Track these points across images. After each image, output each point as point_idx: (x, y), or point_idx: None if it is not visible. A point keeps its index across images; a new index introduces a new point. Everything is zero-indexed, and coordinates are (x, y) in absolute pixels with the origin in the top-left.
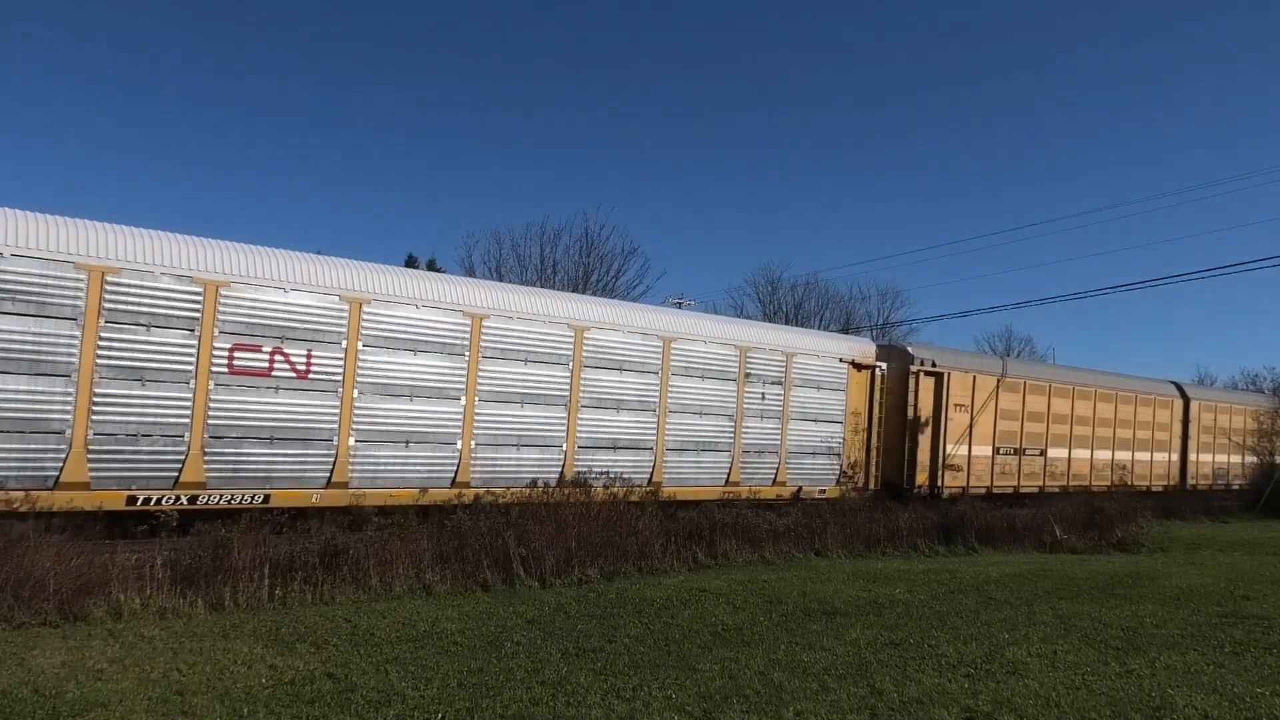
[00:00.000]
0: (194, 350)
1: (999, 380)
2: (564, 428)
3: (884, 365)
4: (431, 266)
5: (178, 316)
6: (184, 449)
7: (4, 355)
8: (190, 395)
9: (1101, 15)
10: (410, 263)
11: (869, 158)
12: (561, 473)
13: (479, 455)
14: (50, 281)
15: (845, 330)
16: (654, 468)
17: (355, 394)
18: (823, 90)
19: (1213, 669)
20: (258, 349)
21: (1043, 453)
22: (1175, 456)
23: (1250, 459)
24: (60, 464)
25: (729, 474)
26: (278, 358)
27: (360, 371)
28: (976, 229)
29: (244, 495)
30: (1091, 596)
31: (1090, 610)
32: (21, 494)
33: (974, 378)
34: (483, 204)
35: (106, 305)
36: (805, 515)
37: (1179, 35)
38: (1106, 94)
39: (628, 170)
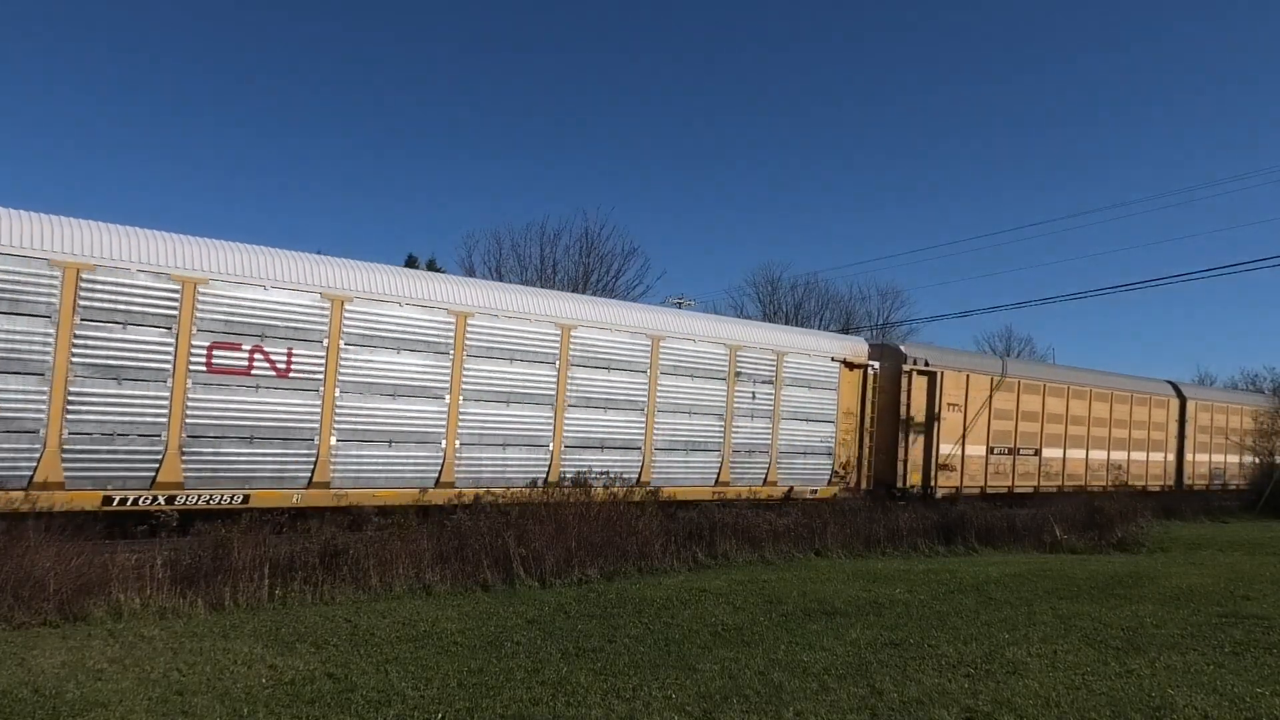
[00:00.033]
0: (171, 349)
1: (993, 379)
2: (550, 427)
3: (876, 364)
4: (431, 266)
5: (155, 314)
6: (161, 449)
7: None
8: (168, 394)
9: (1102, 15)
10: (410, 262)
11: (869, 158)
12: (548, 473)
13: (464, 455)
14: (24, 278)
15: (845, 330)
16: (642, 467)
17: (337, 393)
18: (823, 90)
19: (1213, 669)
20: (237, 347)
21: (1037, 453)
22: (1171, 456)
23: (1249, 459)
24: (34, 464)
25: (719, 474)
26: (257, 356)
27: (342, 370)
28: (976, 229)
29: (223, 495)
30: (1091, 596)
31: (1090, 610)
32: None
33: (967, 377)
34: (483, 204)
35: (82, 303)
36: (805, 515)
37: (1179, 36)
38: (1106, 94)
39: (628, 170)
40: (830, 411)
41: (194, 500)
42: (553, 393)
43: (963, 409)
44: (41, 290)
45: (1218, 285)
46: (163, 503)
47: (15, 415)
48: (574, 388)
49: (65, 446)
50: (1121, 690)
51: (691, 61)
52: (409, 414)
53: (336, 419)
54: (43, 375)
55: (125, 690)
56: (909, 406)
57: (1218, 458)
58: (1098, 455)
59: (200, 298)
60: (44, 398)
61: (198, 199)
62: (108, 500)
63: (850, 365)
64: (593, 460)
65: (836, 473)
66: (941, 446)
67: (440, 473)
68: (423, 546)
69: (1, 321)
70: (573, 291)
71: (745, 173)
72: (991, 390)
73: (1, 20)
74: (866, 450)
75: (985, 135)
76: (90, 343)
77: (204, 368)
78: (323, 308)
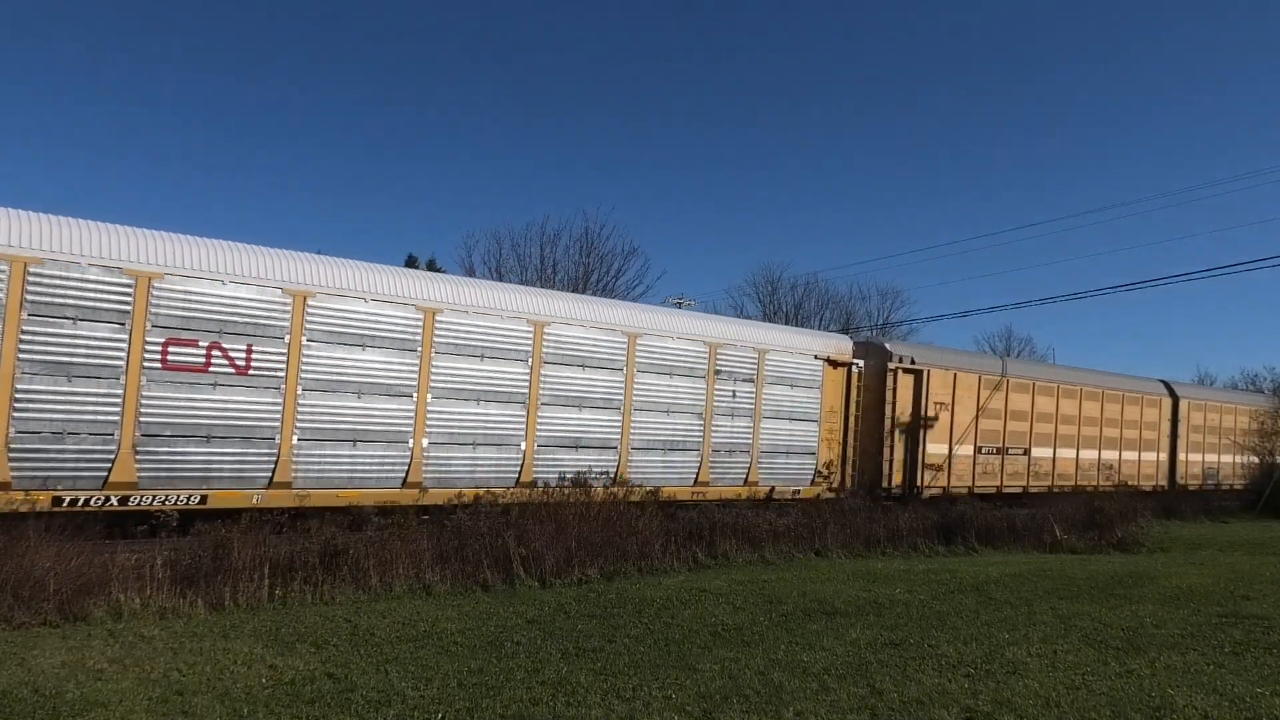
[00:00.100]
0: (124, 345)
1: (980, 378)
2: (523, 426)
3: (861, 362)
4: (431, 266)
5: (106, 309)
6: (114, 448)
7: None
8: (120, 392)
9: (1102, 16)
10: (410, 263)
11: (869, 158)
12: (520, 473)
13: (432, 455)
14: None
15: (845, 330)
16: (618, 467)
17: (299, 391)
18: (823, 90)
19: (1213, 669)
20: (194, 344)
21: (1026, 452)
22: (1164, 456)
23: (1246, 459)
24: None
25: (698, 474)
26: (215, 353)
27: (304, 367)
28: (976, 229)
29: (179, 496)
30: (1091, 596)
31: (1090, 610)
32: None
33: (955, 375)
34: (483, 204)
35: (29, 298)
36: (805, 515)
37: (1179, 36)
38: (1107, 94)
39: (628, 170)
40: (813, 410)
41: (149, 501)
42: (525, 391)
43: (950, 408)
44: None
45: (1218, 285)
46: (115, 503)
47: None
48: (547, 386)
49: (11, 446)
50: (1121, 690)
51: (692, 61)
52: (375, 413)
53: (298, 418)
54: None
55: (125, 690)
56: (894, 405)
57: (1211, 457)
58: (1088, 455)
59: (155, 293)
60: None
61: (198, 199)
62: (58, 501)
63: (834, 363)
64: (567, 460)
65: (819, 473)
66: (928, 446)
67: (408, 473)
68: (423, 546)
69: None
70: (573, 291)
71: (745, 173)
72: (979, 389)
73: (7, 23)
74: (851, 450)
75: (985, 135)
76: (38, 339)
77: (159, 365)
78: (284, 303)
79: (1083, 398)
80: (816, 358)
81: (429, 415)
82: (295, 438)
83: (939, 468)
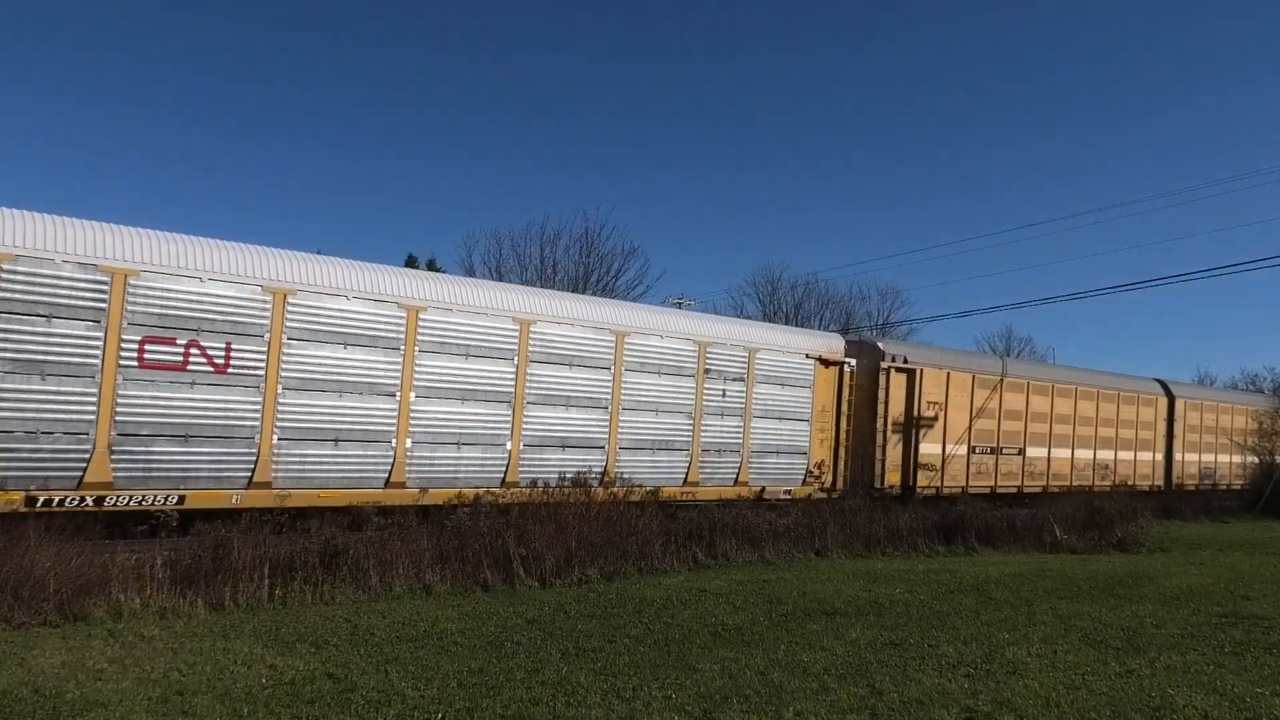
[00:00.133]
0: (100, 343)
1: (974, 377)
2: (509, 426)
3: (853, 361)
4: (431, 266)
5: (81, 307)
6: (89, 447)
7: None
8: (96, 390)
9: (1102, 16)
10: (410, 263)
11: (869, 158)
12: (506, 472)
13: (416, 454)
14: None
15: (845, 330)
16: (606, 467)
17: (279, 389)
18: (823, 90)
19: (1213, 669)
20: (171, 342)
21: (1021, 452)
22: (1160, 456)
23: (1244, 458)
24: None
25: (687, 473)
26: (193, 351)
27: (285, 366)
28: (976, 229)
29: (156, 496)
30: (1091, 596)
31: (1090, 610)
32: None
33: (948, 374)
34: (483, 204)
35: (1, 295)
36: (805, 515)
37: (1179, 37)
38: (1106, 95)
39: (628, 170)
40: (805, 410)
41: (125, 501)
42: (511, 390)
43: (943, 407)
44: None
45: (1218, 285)
46: (91, 504)
47: None
48: (534, 385)
49: None
50: (1121, 690)
51: (692, 61)
52: (357, 411)
53: (279, 417)
54: None
55: (125, 690)
56: (887, 404)
57: (1208, 457)
58: (1084, 455)
59: (131, 290)
60: None
61: (198, 199)
62: (31, 501)
63: (826, 362)
64: (554, 460)
65: (811, 472)
66: (921, 446)
67: (390, 472)
68: (423, 546)
69: None
70: (572, 291)
71: (745, 173)
72: (973, 388)
73: (8, 24)
74: (843, 450)
75: (985, 135)
76: (11, 336)
77: (135, 363)
78: (264, 301)
79: (1078, 397)
80: (808, 357)
81: (412, 414)
82: (275, 437)
83: (932, 468)
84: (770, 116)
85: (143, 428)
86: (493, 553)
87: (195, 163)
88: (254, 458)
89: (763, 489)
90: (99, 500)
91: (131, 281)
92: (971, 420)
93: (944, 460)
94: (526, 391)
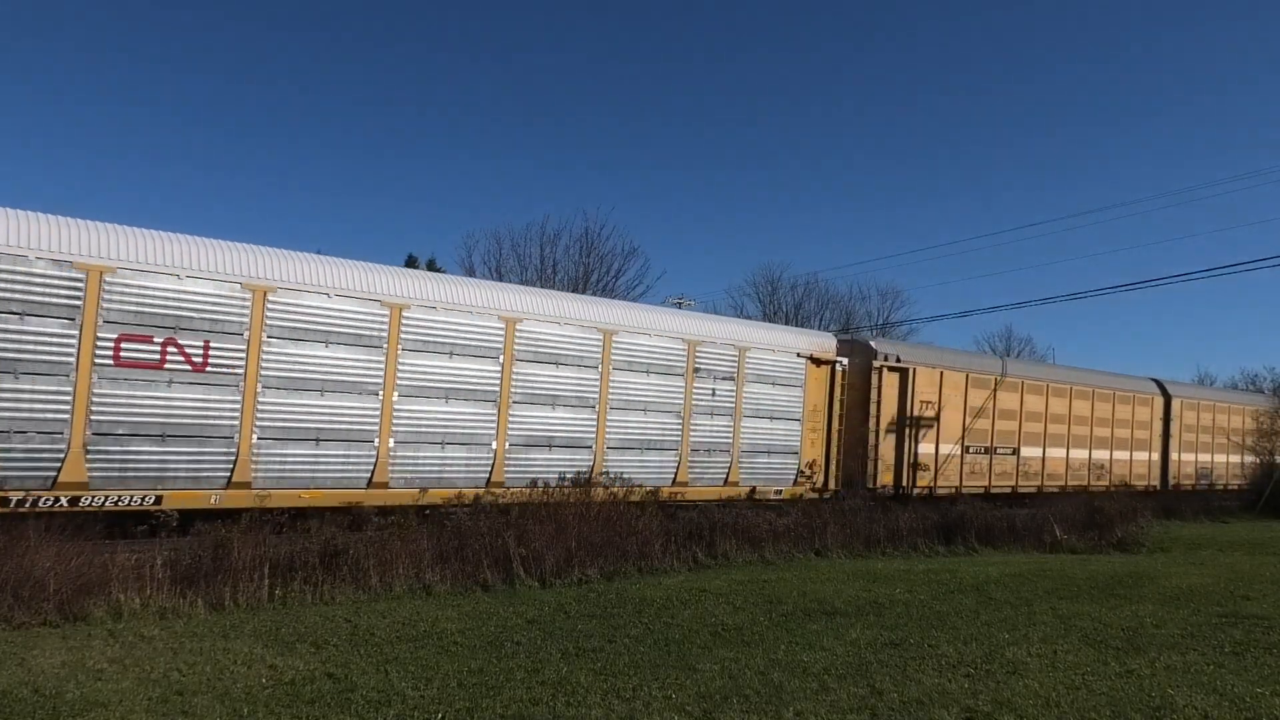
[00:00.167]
0: (74, 341)
1: (968, 376)
2: (494, 425)
3: (845, 360)
4: (431, 266)
5: (56, 304)
6: (63, 447)
7: None
8: (70, 389)
9: (1102, 17)
10: (410, 263)
11: (869, 158)
12: (491, 472)
13: (399, 454)
14: None
15: (845, 330)
16: (593, 467)
17: (259, 388)
18: (823, 91)
19: (1213, 669)
20: (148, 340)
21: (1015, 452)
22: (1156, 456)
23: (1241, 458)
24: None
25: (676, 474)
26: (171, 349)
27: (265, 364)
28: (976, 229)
29: (133, 497)
30: (1091, 596)
31: (1090, 610)
32: None
33: (941, 374)
34: (483, 205)
35: None
36: (805, 515)
37: (1179, 37)
38: (1106, 95)
39: (628, 170)
40: (796, 409)
41: (100, 502)
42: (496, 389)
43: (937, 406)
44: None
45: (1218, 285)
46: (65, 504)
47: None
48: (519, 384)
49: None
50: (1121, 690)
51: (692, 61)
52: (338, 411)
53: (258, 416)
54: None
55: (125, 690)
56: (879, 404)
57: (1204, 457)
58: (1079, 455)
59: (107, 287)
60: None
61: (197, 201)
62: (4, 501)
63: (817, 361)
64: (540, 459)
65: (802, 472)
66: (913, 446)
67: (373, 473)
68: (423, 546)
69: None
70: (572, 291)
71: (745, 173)
72: (967, 388)
73: (7, 24)
74: (834, 449)
75: (985, 135)
76: None
77: (111, 361)
78: (243, 298)
79: (1073, 396)
80: (799, 355)
81: (396, 414)
82: (255, 436)
83: (925, 467)
84: (770, 116)
85: (119, 427)
86: (493, 553)
87: (195, 163)
88: (233, 458)
89: (753, 489)
90: (74, 500)
91: (107, 279)
92: (965, 420)
93: (937, 460)
94: (512, 390)
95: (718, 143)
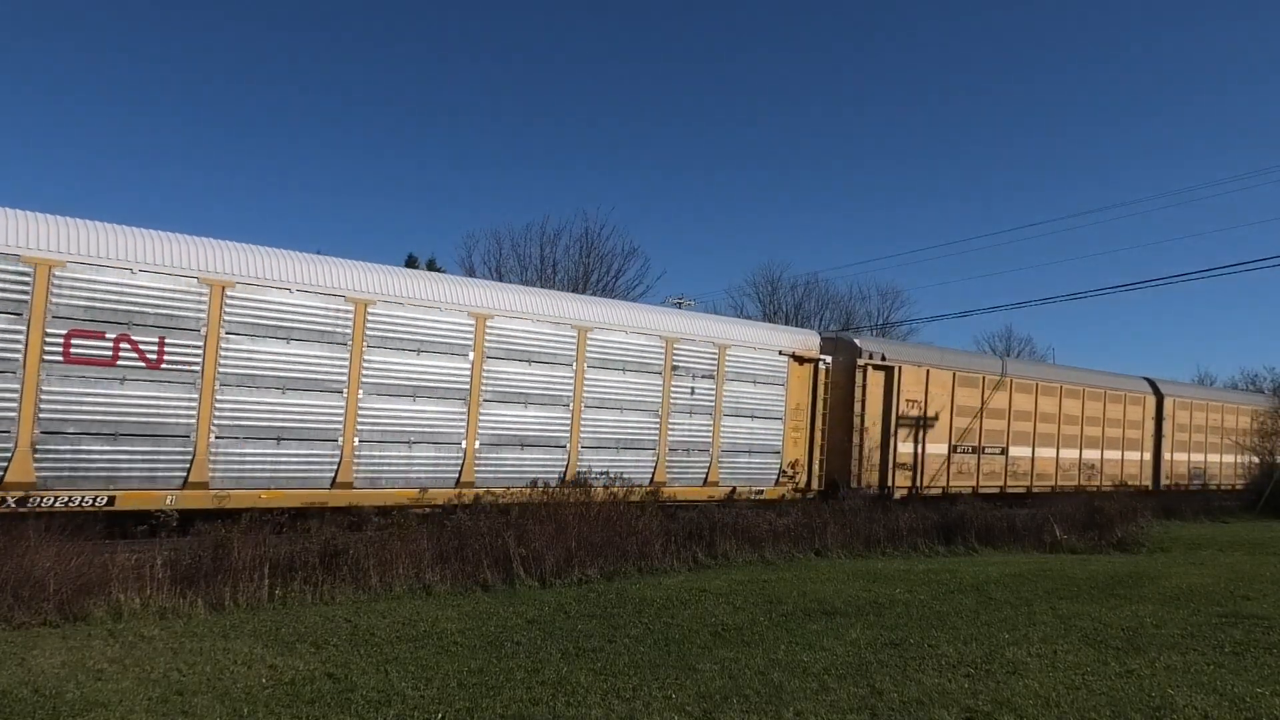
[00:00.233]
0: (22, 337)
1: (955, 375)
2: (463, 424)
3: (829, 359)
4: (431, 266)
5: (2, 299)
6: (10, 446)
7: None
8: (17, 387)
9: (1102, 16)
10: (410, 263)
11: (869, 158)
12: (460, 472)
13: (364, 453)
14: None
15: (845, 330)
16: (567, 466)
17: (217, 386)
18: (823, 91)
19: (1213, 669)
20: (100, 336)
21: (1004, 451)
22: (1148, 455)
23: (1236, 458)
24: None
25: (654, 473)
26: (124, 345)
27: (223, 361)
28: (976, 229)
29: (84, 497)
30: (1091, 596)
31: (1090, 610)
32: None
33: (928, 372)
34: (483, 205)
35: None
36: (805, 515)
37: (1179, 37)
38: (1106, 95)
39: (628, 170)
40: (778, 408)
41: (50, 502)
42: (466, 387)
43: (923, 405)
44: None
45: (1218, 285)
46: (12, 504)
47: None
48: (490, 382)
49: None
50: (1121, 690)
51: (692, 61)
52: (301, 409)
53: (216, 414)
54: None
55: (125, 690)
56: (864, 403)
57: (1198, 457)
58: (1069, 454)
59: (56, 282)
60: None
61: (198, 200)
62: None
63: (800, 359)
64: (512, 459)
65: (784, 472)
66: (899, 445)
67: (337, 472)
68: (423, 546)
69: None
70: (572, 291)
71: (745, 173)
72: (954, 386)
73: (7, 24)
74: (818, 449)
75: (985, 135)
76: None
77: (61, 358)
78: (200, 293)
79: (1063, 395)
80: (781, 353)
81: (360, 412)
82: (212, 435)
83: (911, 467)
84: (770, 116)
85: (69, 425)
86: (493, 553)
87: (195, 163)
88: (189, 457)
89: (733, 489)
90: (21, 501)
91: (56, 273)
92: (952, 419)
93: (923, 460)
94: (483, 388)
95: (718, 143)
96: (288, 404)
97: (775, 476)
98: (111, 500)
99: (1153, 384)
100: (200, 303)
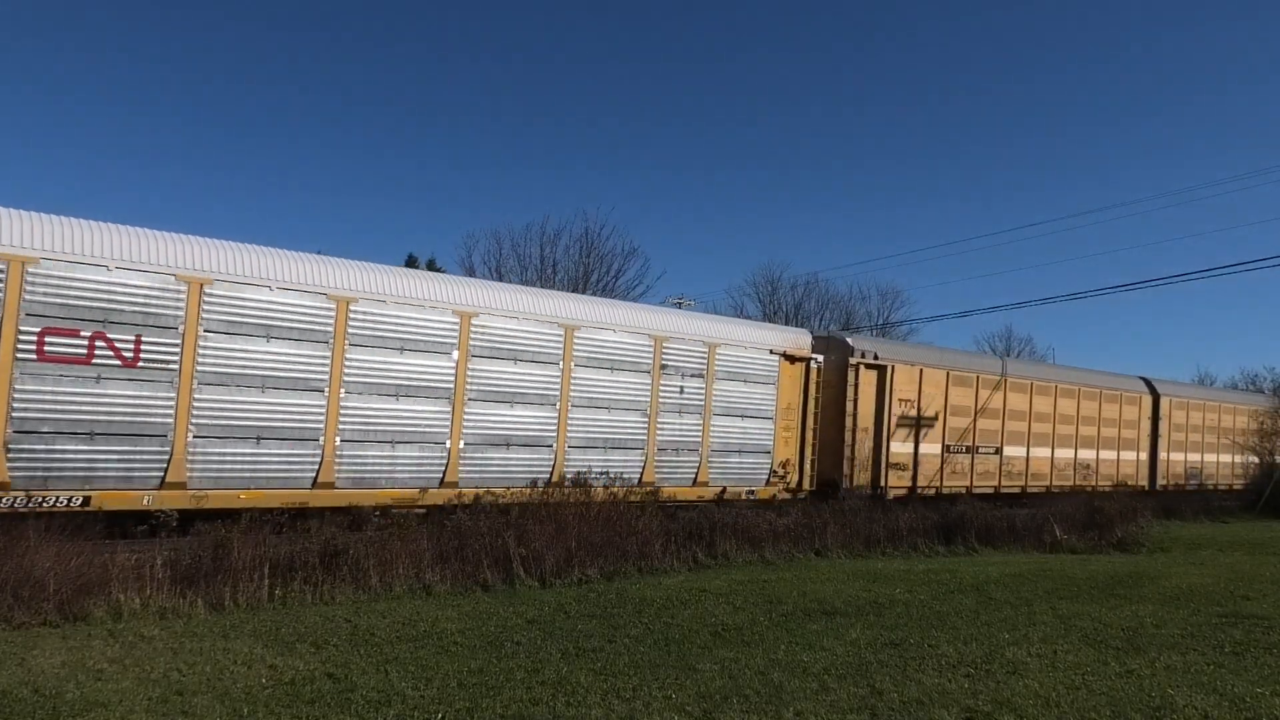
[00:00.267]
0: None
1: (948, 374)
2: (448, 423)
3: (820, 357)
4: (431, 266)
5: None
6: None
7: None
8: None
9: (1101, 17)
10: (410, 263)
11: (869, 158)
12: (444, 472)
13: (346, 453)
14: None
15: (845, 330)
16: (554, 466)
17: (195, 385)
18: (823, 91)
19: (1213, 669)
20: (74, 334)
21: (998, 451)
22: (1144, 455)
23: (1233, 458)
24: None
25: (642, 473)
26: (99, 344)
27: (201, 360)
28: (976, 229)
29: (59, 498)
30: (1091, 596)
31: (1090, 610)
32: None
33: (921, 371)
34: (483, 205)
35: None
36: (805, 515)
37: (1179, 37)
38: (1106, 95)
39: (628, 170)
40: (768, 407)
41: (23, 503)
42: (450, 386)
43: (916, 404)
44: None
45: (1218, 285)
46: None
47: None
48: (475, 381)
49: None
50: (1121, 690)
51: (692, 61)
52: (281, 408)
53: (194, 413)
54: None
55: (125, 690)
56: (856, 402)
57: (1194, 457)
58: (1064, 454)
59: (29, 279)
60: None
61: (198, 201)
62: None
63: (791, 358)
64: (497, 459)
65: (775, 472)
66: (892, 444)
67: (318, 472)
68: (423, 546)
69: None
70: (573, 291)
71: (745, 173)
72: (948, 385)
73: (7, 24)
74: (809, 448)
75: (985, 135)
76: None
77: (34, 356)
78: (178, 291)
79: (1058, 395)
80: (772, 352)
81: (342, 412)
82: (190, 435)
83: (904, 467)
84: (770, 116)
85: (43, 424)
86: (493, 553)
87: (195, 163)
88: (167, 457)
89: (723, 489)
90: None
91: (30, 270)
92: (946, 418)
93: (916, 460)
94: (467, 387)
95: (718, 143)
96: (268, 403)
97: (766, 476)
98: (87, 500)
99: (1149, 383)
100: (178, 300)
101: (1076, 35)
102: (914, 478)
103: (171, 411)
